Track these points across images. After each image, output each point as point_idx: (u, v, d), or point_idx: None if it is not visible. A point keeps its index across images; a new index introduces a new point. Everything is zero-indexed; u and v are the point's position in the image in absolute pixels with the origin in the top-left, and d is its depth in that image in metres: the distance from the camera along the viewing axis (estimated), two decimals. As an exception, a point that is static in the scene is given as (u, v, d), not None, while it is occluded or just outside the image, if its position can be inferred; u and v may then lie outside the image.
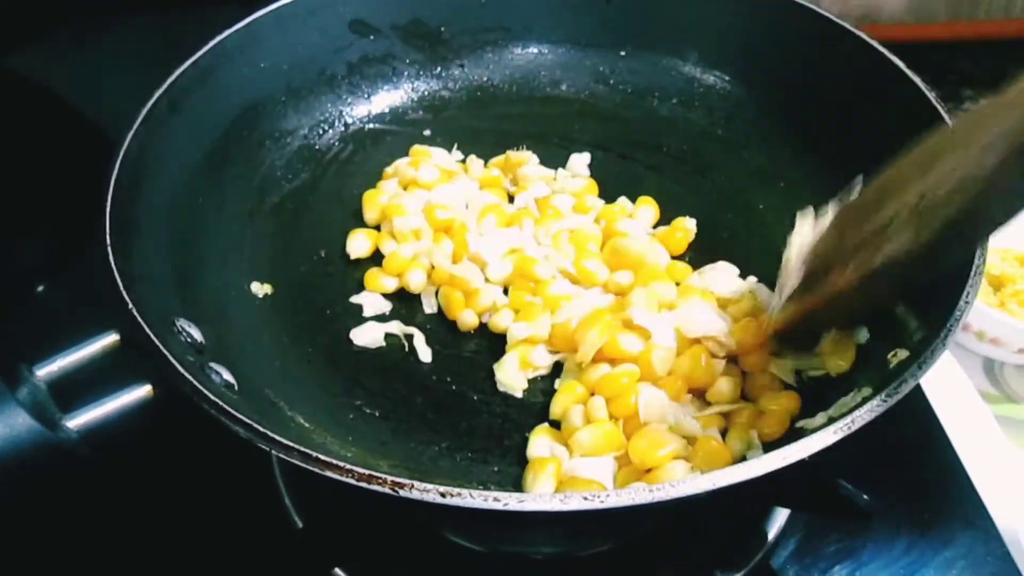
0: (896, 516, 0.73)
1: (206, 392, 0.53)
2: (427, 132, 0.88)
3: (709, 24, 0.83)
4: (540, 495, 0.48)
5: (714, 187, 0.82)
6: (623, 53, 0.84)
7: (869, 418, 0.50)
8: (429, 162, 0.82)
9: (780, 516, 0.72)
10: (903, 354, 0.58)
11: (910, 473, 0.77)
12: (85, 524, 0.73)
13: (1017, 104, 0.48)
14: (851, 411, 0.51)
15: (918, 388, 0.77)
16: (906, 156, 0.56)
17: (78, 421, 0.55)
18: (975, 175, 0.48)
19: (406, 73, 0.90)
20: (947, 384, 0.83)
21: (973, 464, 0.77)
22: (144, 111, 0.70)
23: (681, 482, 0.48)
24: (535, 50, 0.91)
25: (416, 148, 0.85)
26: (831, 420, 0.54)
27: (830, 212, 0.63)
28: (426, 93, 0.91)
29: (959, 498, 0.75)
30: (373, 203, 0.80)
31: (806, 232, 0.63)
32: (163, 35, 1.07)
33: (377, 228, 0.80)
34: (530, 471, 0.61)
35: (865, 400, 0.52)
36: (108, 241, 0.61)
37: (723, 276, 0.71)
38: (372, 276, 0.76)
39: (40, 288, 0.89)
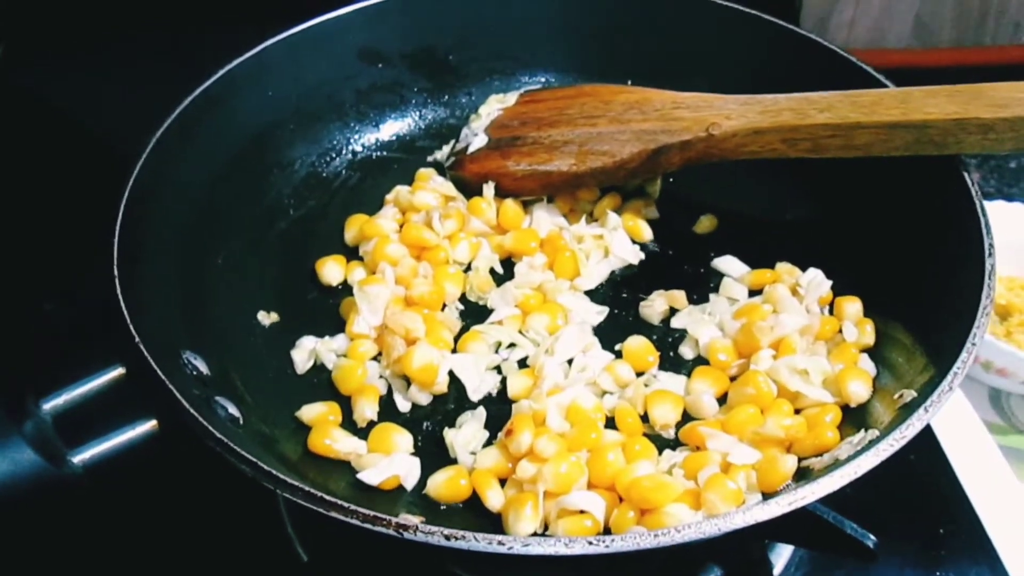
0: (902, 551, 0.73)
1: (211, 429, 0.53)
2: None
3: (716, 56, 0.83)
4: (545, 538, 0.48)
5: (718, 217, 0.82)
6: (630, 83, 0.84)
7: (875, 463, 0.50)
8: (428, 185, 0.82)
9: (786, 549, 0.72)
10: (910, 395, 0.58)
11: (914, 505, 0.76)
12: (90, 560, 0.73)
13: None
14: (857, 455, 0.51)
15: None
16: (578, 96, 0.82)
17: (83, 456, 0.55)
18: (615, 152, 0.76)
19: (414, 101, 0.90)
20: (953, 415, 0.83)
21: (979, 498, 0.77)
22: (153, 140, 0.71)
23: (686, 526, 0.48)
24: (542, 79, 0.92)
25: (421, 172, 0.85)
26: (837, 462, 0.54)
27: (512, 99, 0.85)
28: (434, 121, 0.91)
29: (964, 533, 0.74)
30: (354, 224, 0.80)
31: (493, 108, 0.86)
32: (175, 56, 1.07)
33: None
34: (509, 510, 0.59)
35: (872, 443, 0.52)
36: (116, 273, 0.61)
37: (731, 265, 0.78)
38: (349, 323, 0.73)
39: (48, 308, 0.89)
